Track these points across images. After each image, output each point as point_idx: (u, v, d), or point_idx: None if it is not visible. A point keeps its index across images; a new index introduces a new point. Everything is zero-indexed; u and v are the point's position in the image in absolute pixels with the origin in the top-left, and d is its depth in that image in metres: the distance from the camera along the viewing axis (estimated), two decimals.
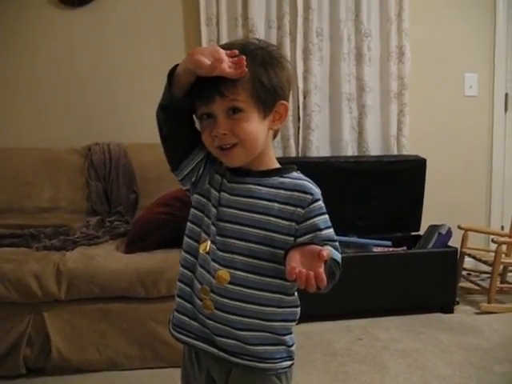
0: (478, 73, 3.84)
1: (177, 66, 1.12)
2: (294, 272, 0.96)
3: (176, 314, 1.26)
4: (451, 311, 3.21)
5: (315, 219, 1.15)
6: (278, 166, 1.23)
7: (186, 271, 1.24)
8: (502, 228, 3.89)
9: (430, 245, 3.27)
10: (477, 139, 3.88)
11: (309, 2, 3.46)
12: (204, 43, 3.37)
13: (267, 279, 1.16)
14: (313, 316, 2.90)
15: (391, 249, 3.29)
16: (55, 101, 3.43)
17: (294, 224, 1.15)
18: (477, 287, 3.48)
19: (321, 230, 1.14)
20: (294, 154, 3.54)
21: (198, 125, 1.19)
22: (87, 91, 3.44)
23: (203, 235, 1.20)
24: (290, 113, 3.47)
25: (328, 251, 0.99)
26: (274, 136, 1.25)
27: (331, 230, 1.16)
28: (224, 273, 1.16)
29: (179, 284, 1.25)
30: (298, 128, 3.57)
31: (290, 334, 1.23)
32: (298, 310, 1.24)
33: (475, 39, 3.82)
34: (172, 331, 1.27)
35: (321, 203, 1.17)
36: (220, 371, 1.23)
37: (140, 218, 2.84)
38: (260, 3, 3.43)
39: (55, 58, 3.42)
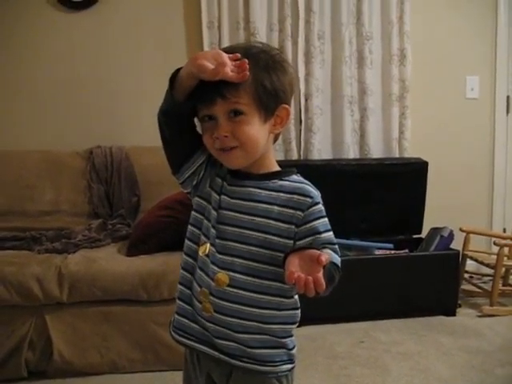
0: (480, 75, 3.84)
1: (178, 69, 1.12)
2: (293, 277, 0.96)
3: (177, 316, 1.26)
4: (453, 314, 3.20)
5: (315, 222, 1.15)
6: (278, 169, 1.23)
7: (186, 274, 1.24)
8: (504, 230, 3.88)
9: (432, 247, 3.27)
10: (478, 142, 3.88)
11: (310, 4, 3.47)
12: (205, 46, 3.38)
13: (266, 282, 1.16)
14: (314, 319, 2.90)
15: (393, 251, 3.28)
16: (57, 104, 3.44)
17: (293, 227, 1.15)
18: (479, 290, 3.47)
19: (320, 233, 1.14)
20: (295, 157, 3.54)
21: (199, 128, 1.19)
22: (89, 94, 3.44)
23: (203, 238, 1.20)
24: (292, 116, 3.47)
25: (327, 256, 0.99)
26: (275, 140, 1.25)
27: (331, 233, 1.16)
28: (223, 275, 1.16)
29: (179, 286, 1.26)
30: (300, 131, 3.57)
31: (291, 336, 1.23)
32: (298, 312, 1.24)
33: (476, 42, 3.82)
34: (173, 334, 1.27)
35: (320, 206, 1.17)
36: (220, 374, 1.23)
37: (142, 221, 2.84)
38: (261, 6, 3.43)
39: (57, 61, 3.42)
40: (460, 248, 3.38)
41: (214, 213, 1.18)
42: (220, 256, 1.17)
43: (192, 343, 1.23)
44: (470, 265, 3.57)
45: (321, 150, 3.58)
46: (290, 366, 1.23)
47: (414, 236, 3.54)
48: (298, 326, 1.24)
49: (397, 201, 3.43)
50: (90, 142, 3.31)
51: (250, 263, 1.16)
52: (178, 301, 1.26)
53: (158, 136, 1.17)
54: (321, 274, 0.96)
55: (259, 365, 1.19)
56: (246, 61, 1.07)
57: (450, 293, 3.20)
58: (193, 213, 1.24)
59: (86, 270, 2.46)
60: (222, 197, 1.19)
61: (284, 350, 1.22)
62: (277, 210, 1.16)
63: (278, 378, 1.21)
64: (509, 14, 3.81)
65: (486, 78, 3.85)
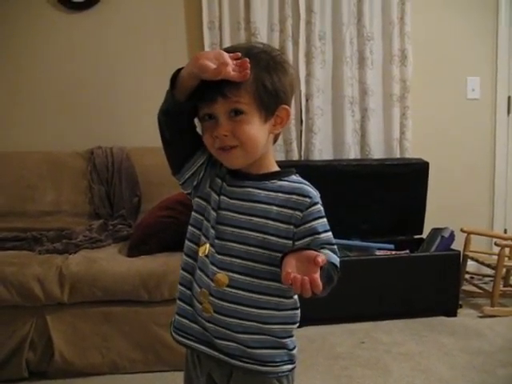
0: (481, 76, 3.84)
1: (179, 69, 1.12)
2: (289, 277, 0.96)
3: (177, 316, 1.27)
4: (454, 315, 3.20)
5: (313, 223, 1.15)
6: (277, 169, 1.23)
7: (186, 274, 1.24)
8: (505, 231, 3.88)
9: (433, 248, 3.27)
10: (479, 142, 3.88)
11: (311, 5, 3.47)
12: (206, 47, 3.38)
13: (266, 282, 1.16)
14: (315, 319, 2.90)
15: (394, 252, 3.28)
16: (58, 104, 3.44)
17: (292, 227, 1.15)
18: (480, 290, 3.47)
19: (319, 233, 1.14)
20: (296, 158, 3.53)
21: (199, 129, 1.19)
22: (90, 94, 3.44)
23: (203, 238, 1.20)
24: (293, 116, 3.47)
25: (323, 257, 0.99)
26: (275, 140, 1.25)
27: (329, 234, 1.16)
28: (222, 276, 1.16)
29: (180, 287, 1.26)
30: (301, 131, 3.57)
31: (291, 337, 1.23)
32: (298, 312, 1.24)
33: (477, 42, 3.82)
34: (173, 334, 1.28)
35: (319, 206, 1.17)
36: (221, 374, 1.23)
37: (142, 221, 2.84)
38: (262, 7, 3.43)
39: (57, 61, 3.42)
40: (461, 248, 3.38)
41: (213, 213, 1.18)
42: (219, 256, 1.17)
43: (192, 343, 1.23)
44: (471, 265, 3.57)
45: (322, 151, 3.57)
46: (290, 366, 1.23)
47: (415, 236, 3.53)
48: (298, 327, 1.24)
49: (398, 201, 3.43)
50: (91, 143, 3.31)
51: (249, 263, 1.16)
52: (178, 301, 1.26)
53: (158, 136, 1.17)
54: (317, 275, 0.96)
55: (259, 365, 1.19)
56: (247, 60, 1.07)
57: (451, 293, 3.20)
58: (193, 213, 1.24)
59: (86, 270, 2.46)
60: (222, 197, 1.19)
61: (284, 351, 1.22)
62: (275, 211, 1.16)
63: (279, 378, 1.21)
64: (510, 15, 3.80)
65: (487, 78, 3.85)
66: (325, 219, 1.17)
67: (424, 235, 3.48)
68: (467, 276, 3.59)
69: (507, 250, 3.32)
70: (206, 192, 1.21)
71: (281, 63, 1.18)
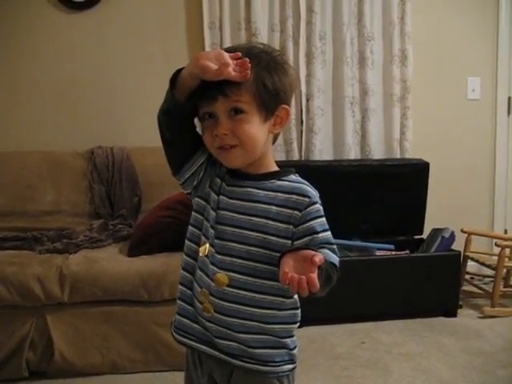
0: (481, 76, 3.84)
1: (179, 69, 1.12)
2: (287, 277, 0.96)
3: (178, 316, 1.27)
4: (454, 315, 3.20)
5: (312, 222, 1.15)
6: (276, 169, 1.23)
7: (186, 274, 1.25)
8: (506, 231, 3.88)
9: (433, 248, 3.27)
10: (480, 143, 3.88)
11: (312, 5, 3.47)
12: (207, 47, 3.38)
13: (266, 282, 1.16)
14: (315, 319, 2.90)
15: (394, 252, 3.28)
16: (58, 104, 3.44)
17: (291, 227, 1.15)
18: (480, 291, 3.47)
19: (317, 233, 1.15)
20: (296, 158, 3.53)
21: (199, 129, 1.19)
22: (90, 94, 3.44)
23: (203, 238, 1.21)
24: (293, 116, 3.48)
25: (321, 256, 0.99)
26: (274, 140, 1.26)
27: (328, 233, 1.16)
28: (222, 276, 1.16)
29: (180, 287, 1.26)
30: (301, 131, 3.57)
31: (292, 336, 1.23)
32: (298, 312, 1.24)
33: (478, 43, 3.82)
34: (174, 334, 1.28)
35: (318, 206, 1.17)
36: (222, 374, 1.23)
37: (143, 221, 2.84)
38: (263, 7, 3.43)
39: (58, 61, 3.42)
40: (461, 249, 3.37)
41: (212, 213, 1.19)
42: (219, 256, 1.17)
43: (193, 343, 1.23)
44: (471, 266, 3.57)
45: (322, 151, 3.57)
46: (291, 366, 1.23)
47: (415, 237, 3.53)
48: (298, 327, 1.24)
49: (398, 201, 3.43)
50: (91, 143, 3.31)
51: (249, 263, 1.16)
52: (178, 301, 1.27)
53: (158, 136, 1.17)
54: (315, 274, 0.96)
55: (260, 365, 1.19)
56: (247, 60, 1.07)
57: (451, 294, 3.20)
58: (193, 213, 1.25)
59: (87, 270, 2.46)
60: (221, 197, 1.19)
61: (285, 350, 1.22)
62: (275, 210, 1.16)
63: (279, 378, 1.21)
64: (510, 15, 3.80)
65: (488, 79, 3.85)
66: (324, 219, 1.17)
67: (424, 235, 3.48)
68: (467, 276, 3.59)
69: (507, 250, 3.32)
70: (206, 192, 1.21)
71: (281, 63, 1.18)
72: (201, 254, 1.20)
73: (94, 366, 2.46)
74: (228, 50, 1.11)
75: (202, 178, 1.20)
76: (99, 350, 2.47)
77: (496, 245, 3.27)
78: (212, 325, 1.19)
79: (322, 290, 1.02)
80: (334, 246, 1.15)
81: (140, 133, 3.21)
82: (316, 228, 1.15)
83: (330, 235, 1.17)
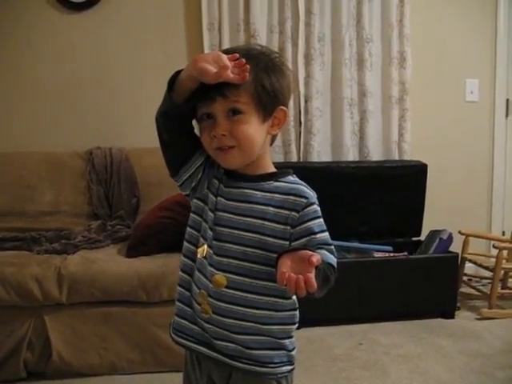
0: (479, 78, 3.85)
1: (177, 72, 1.12)
2: (284, 277, 0.96)
3: (176, 318, 1.27)
4: (452, 317, 3.20)
5: (309, 223, 1.15)
6: (274, 170, 1.23)
7: (184, 275, 1.25)
8: (503, 233, 3.89)
9: (431, 250, 3.27)
10: (478, 144, 3.89)
11: (310, 7, 3.47)
12: (206, 48, 3.38)
13: (264, 283, 1.16)
14: (313, 321, 2.91)
15: (392, 254, 3.28)
16: (57, 105, 3.44)
17: (288, 228, 1.15)
18: (478, 293, 3.48)
19: (315, 233, 1.15)
20: (295, 159, 3.54)
21: (197, 130, 1.19)
22: (89, 95, 3.45)
23: (201, 240, 1.21)
24: (292, 118, 3.49)
25: (318, 257, 0.99)
26: (272, 142, 1.26)
27: (326, 234, 1.16)
28: (220, 277, 1.16)
29: (179, 288, 1.26)
30: (300, 133, 3.57)
31: (290, 338, 1.23)
32: (297, 313, 1.24)
33: (476, 45, 3.83)
34: (172, 335, 1.28)
35: (315, 207, 1.17)
36: (220, 375, 1.23)
37: (141, 222, 2.84)
38: (262, 8, 3.44)
39: (57, 62, 3.43)
40: (459, 251, 3.38)
41: (210, 214, 1.19)
42: (217, 258, 1.17)
43: (192, 345, 1.23)
44: (469, 267, 3.58)
45: (320, 152, 3.58)
46: (289, 367, 1.23)
47: (414, 238, 3.54)
48: (297, 328, 1.24)
49: (396, 203, 3.43)
50: (90, 143, 3.31)
51: (247, 264, 1.16)
52: (177, 302, 1.27)
53: (157, 137, 1.18)
54: (312, 275, 0.96)
55: (258, 366, 1.19)
56: (244, 60, 1.08)
57: (449, 295, 3.20)
58: (191, 215, 1.25)
59: (85, 270, 2.46)
60: (218, 198, 1.19)
61: (283, 352, 1.22)
62: (272, 211, 1.16)
63: (278, 379, 1.21)
64: (508, 18, 3.82)
65: (486, 81, 3.86)
66: (321, 219, 1.17)
67: (422, 237, 3.48)
68: (465, 278, 3.59)
69: (505, 252, 3.33)
70: (204, 193, 1.21)
71: (279, 65, 1.18)
72: (199, 256, 1.20)
73: (92, 367, 2.46)
74: (226, 52, 1.12)
75: (200, 179, 1.20)
76: (97, 351, 2.46)
77: (494, 246, 3.28)
78: (210, 326, 1.19)
79: (319, 291, 1.02)
80: (332, 247, 1.16)
81: (139, 134, 3.20)
82: (314, 229, 1.15)
83: (328, 236, 1.17)
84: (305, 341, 2.80)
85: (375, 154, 3.64)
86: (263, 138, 1.18)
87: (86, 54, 3.44)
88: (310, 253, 0.99)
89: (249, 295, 1.16)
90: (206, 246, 1.19)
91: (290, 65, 3.40)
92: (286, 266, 0.99)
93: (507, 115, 3.90)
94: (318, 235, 1.15)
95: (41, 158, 3.22)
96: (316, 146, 3.55)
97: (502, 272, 3.36)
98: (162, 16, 3.48)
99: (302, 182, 1.21)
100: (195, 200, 1.23)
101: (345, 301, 2.94)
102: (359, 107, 3.62)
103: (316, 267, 0.98)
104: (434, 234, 3.35)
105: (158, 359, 2.47)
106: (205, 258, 1.19)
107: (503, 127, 3.91)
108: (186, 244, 1.25)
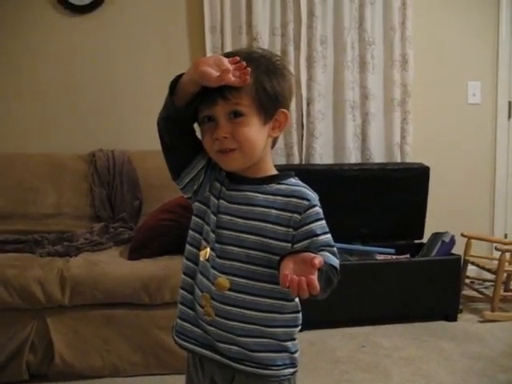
0: (482, 81, 3.85)
1: (179, 75, 1.13)
2: (287, 279, 0.96)
3: (179, 321, 1.27)
4: (454, 319, 3.20)
5: (312, 225, 1.15)
6: (275, 172, 1.24)
7: (187, 278, 1.25)
8: (506, 236, 3.89)
9: (434, 253, 3.27)
10: (480, 147, 3.89)
11: (313, 9, 3.48)
12: (208, 51, 3.39)
13: (266, 285, 1.16)
14: (316, 323, 2.90)
15: (394, 256, 3.28)
16: (59, 107, 3.45)
17: (291, 230, 1.16)
18: (480, 295, 3.47)
19: (317, 235, 1.15)
20: (297, 162, 3.54)
21: (198, 133, 1.20)
22: (91, 97, 3.45)
23: (203, 242, 1.21)
24: (294, 120, 3.49)
25: (321, 259, 0.99)
26: (273, 145, 1.26)
27: (328, 236, 1.17)
28: (223, 280, 1.16)
29: (181, 291, 1.26)
30: (302, 135, 3.57)
31: (293, 340, 1.23)
32: (299, 315, 1.24)
33: (478, 47, 3.83)
34: (175, 338, 1.28)
35: (317, 209, 1.18)
36: (223, 378, 1.23)
37: (144, 224, 2.85)
38: (264, 11, 3.45)
39: (59, 64, 3.43)
40: (461, 253, 3.38)
41: (213, 217, 1.19)
42: (220, 260, 1.17)
43: (195, 347, 1.23)
44: (472, 270, 3.57)
45: (322, 155, 3.58)
46: (292, 370, 1.23)
47: (416, 241, 3.54)
48: (299, 331, 1.24)
49: (398, 206, 3.43)
50: (93, 145, 3.32)
51: (250, 267, 1.16)
52: (179, 305, 1.27)
53: (159, 140, 1.18)
54: (314, 277, 0.96)
55: (261, 368, 1.19)
56: (244, 63, 1.08)
57: (452, 298, 3.20)
58: (193, 218, 1.25)
59: (87, 273, 2.46)
60: (220, 201, 1.19)
61: (287, 354, 1.22)
62: (274, 214, 1.16)
63: (281, 381, 1.21)
64: (511, 20, 3.82)
65: (488, 83, 3.86)
66: (323, 221, 1.18)
67: (424, 240, 3.48)
68: (467, 281, 3.59)
69: (508, 254, 3.32)
70: (206, 196, 1.22)
71: (280, 68, 1.19)
72: (201, 259, 1.20)
73: (95, 369, 2.46)
74: (227, 55, 1.12)
75: (201, 182, 1.21)
76: (100, 353, 2.46)
77: (496, 249, 3.28)
78: (213, 328, 1.19)
79: (322, 293, 1.02)
80: (335, 249, 1.16)
81: (141, 136, 3.20)
82: (316, 231, 1.15)
83: (330, 238, 1.17)
84: (307, 343, 2.80)
85: (377, 157, 3.64)
86: (264, 140, 1.18)
87: (88, 56, 3.45)
88: (313, 255, 1.00)
89: (252, 297, 1.16)
90: (208, 249, 1.19)
91: (292, 67, 3.41)
92: (288, 268, 1.00)
93: (509, 117, 3.90)
94: (321, 237, 1.15)
95: (43, 160, 3.22)
96: (318, 148, 3.55)
97: (505, 274, 3.36)
98: (164, 19, 3.48)
99: (304, 184, 1.21)
100: (197, 203, 1.23)
101: (347, 303, 2.94)
102: (361, 110, 3.62)
103: (318, 269, 0.98)
104: (436, 236, 3.35)
105: (161, 361, 2.47)
106: (207, 260, 1.19)
107: (505, 129, 3.90)
108: (188, 247, 1.25)
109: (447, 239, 3.27)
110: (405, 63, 3.60)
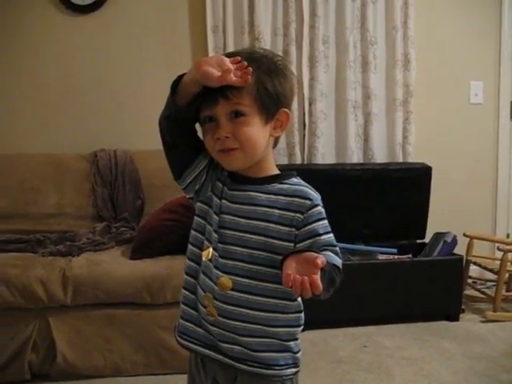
0: (484, 81, 3.84)
1: (180, 75, 1.13)
2: (289, 279, 0.96)
3: (181, 321, 1.27)
4: (457, 319, 3.20)
5: (314, 225, 1.15)
6: (277, 172, 1.24)
7: (189, 278, 1.25)
8: (508, 236, 3.88)
9: (436, 252, 3.27)
10: (482, 147, 3.88)
11: (315, 9, 3.48)
12: (210, 50, 3.39)
13: (269, 285, 1.16)
14: (318, 323, 2.90)
15: (396, 256, 3.28)
16: (61, 107, 3.45)
17: (293, 230, 1.16)
18: (482, 295, 3.47)
19: (320, 235, 1.15)
20: (299, 162, 3.54)
21: (200, 133, 1.20)
22: (93, 97, 3.45)
23: (206, 242, 1.21)
24: (296, 120, 3.48)
25: (323, 259, 0.99)
26: (275, 144, 1.26)
27: (331, 235, 1.17)
28: (226, 279, 1.16)
29: (184, 291, 1.26)
30: (304, 135, 3.57)
31: (296, 340, 1.23)
32: (302, 315, 1.24)
33: (481, 47, 3.83)
34: (178, 338, 1.28)
35: (320, 208, 1.18)
36: (226, 378, 1.23)
37: (146, 224, 2.85)
38: (266, 11, 3.44)
39: (61, 64, 3.44)
40: (463, 253, 3.37)
41: (215, 217, 1.19)
42: (222, 260, 1.17)
43: (197, 347, 1.23)
44: (474, 270, 3.57)
45: (324, 155, 3.58)
46: (294, 369, 1.23)
47: (418, 241, 3.53)
48: (301, 330, 1.24)
49: (400, 206, 3.43)
50: (95, 145, 3.32)
51: (253, 267, 1.16)
52: (182, 305, 1.27)
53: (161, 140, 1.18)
54: (317, 276, 0.96)
55: (264, 368, 1.19)
56: (245, 63, 1.08)
57: (454, 298, 3.20)
58: (195, 218, 1.25)
59: (89, 272, 2.47)
60: (223, 201, 1.19)
61: (289, 354, 1.22)
62: (277, 213, 1.16)
63: (283, 381, 1.21)
64: None
65: (490, 83, 3.85)
66: (326, 221, 1.18)
67: (426, 240, 3.48)
68: (470, 281, 3.59)
69: (510, 254, 3.31)
70: (208, 196, 1.22)
71: (282, 68, 1.19)
72: (204, 259, 1.20)
73: (97, 369, 2.46)
74: (229, 55, 1.12)
75: (203, 182, 1.21)
76: (101, 353, 2.47)
77: (498, 249, 3.27)
78: (215, 328, 1.19)
79: (325, 292, 1.02)
80: (337, 248, 1.16)
81: (143, 136, 3.20)
82: (318, 230, 1.15)
83: (333, 237, 1.17)
84: (309, 343, 2.80)
85: (379, 157, 3.64)
86: (266, 139, 1.18)
87: (90, 56, 3.45)
88: (315, 254, 1.00)
89: (254, 297, 1.16)
90: (211, 249, 1.19)
91: (294, 67, 3.41)
92: (291, 268, 1.00)
93: (511, 117, 3.89)
94: (323, 237, 1.15)
95: (44, 160, 3.22)
96: (320, 148, 3.55)
97: (507, 275, 3.35)
98: (166, 18, 3.48)
99: (306, 184, 1.21)
100: (199, 203, 1.23)
101: (349, 303, 2.93)
102: (363, 109, 3.62)
103: (321, 269, 0.98)
104: (438, 236, 3.35)
105: (163, 361, 2.48)
106: (210, 260, 1.19)
107: (508, 129, 3.90)
108: (190, 247, 1.25)
109: (449, 239, 3.27)
110: (407, 63, 3.60)
